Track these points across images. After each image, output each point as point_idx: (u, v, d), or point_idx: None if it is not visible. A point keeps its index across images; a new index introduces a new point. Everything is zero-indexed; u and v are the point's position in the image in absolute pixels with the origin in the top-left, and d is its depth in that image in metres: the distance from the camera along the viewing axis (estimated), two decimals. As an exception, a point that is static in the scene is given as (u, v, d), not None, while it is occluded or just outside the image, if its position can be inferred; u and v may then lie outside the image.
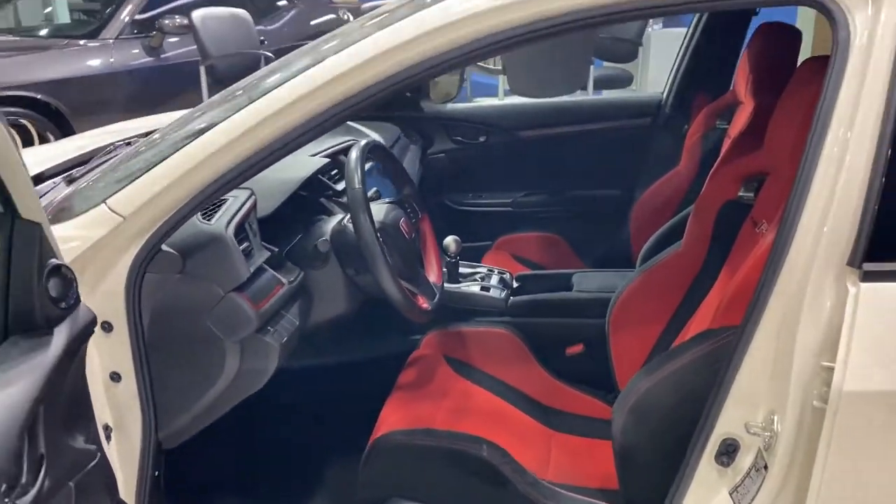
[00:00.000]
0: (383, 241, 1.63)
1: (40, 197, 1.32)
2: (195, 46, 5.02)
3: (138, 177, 1.28)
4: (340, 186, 1.99)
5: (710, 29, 2.66)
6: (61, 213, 1.34)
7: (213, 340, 1.44)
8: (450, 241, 2.04)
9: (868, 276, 1.06)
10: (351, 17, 6.53)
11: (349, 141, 2.15)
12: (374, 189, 1.90)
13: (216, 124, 1.27)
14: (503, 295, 2.09)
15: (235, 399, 1.52)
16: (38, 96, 4.76)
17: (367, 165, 1.73)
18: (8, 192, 0.85)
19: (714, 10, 2.35)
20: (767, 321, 1.13)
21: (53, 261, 0.96)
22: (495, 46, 1.22)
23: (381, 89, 1.23)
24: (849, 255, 1.07)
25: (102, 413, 1.32)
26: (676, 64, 2.82)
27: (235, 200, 1.55)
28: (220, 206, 1.53)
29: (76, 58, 5.09)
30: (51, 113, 4.84)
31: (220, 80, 4.95)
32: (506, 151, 2.93)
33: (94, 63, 5.10)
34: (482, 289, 2.08)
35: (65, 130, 4.79)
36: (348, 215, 1.72)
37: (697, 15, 2.71)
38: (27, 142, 4.65)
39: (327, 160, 2.02)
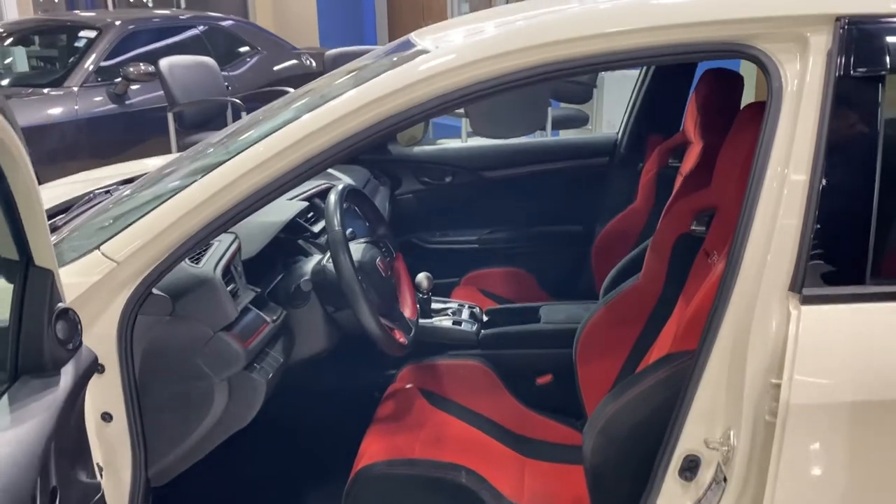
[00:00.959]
0: (361, 279, 1.71)
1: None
2: (160, 93, 5.09)
3: (131, 223, 1.35)
4: (317, 228, 2.07)
5: (659, 73, 2.79)
6: (52, 260, 1.39)
7: (202, 379, 1.49)
8: (422, 277, 2.12)
9: (808, 300, 1.17)
10: (314, 63, 6.64)
11: (323, 184, 2.24)
12: (350, 230, 1.98)
13: (208, 171, 1.35)
14: (474, 329, 2.17)
15: (223, 435, 1.56)
16: (1, 145, 4.75)
17: (344, 207, 1.82)
18: (26, 239, 0.92)
19: (655, 64, 2.50)
20: (720, 344, 1.23)
21: (61, 305, 1.03)
22: (457, 102, 1.33)
23: (356, 142, 1.32)
24: (790, 281, 1.18)
25: (94, 452, 1.35)
26: (630, 106, 2.95)
27: (221, 244, 1.62)
28: (207, 249, 1.59)
29: (39, 106, 5.10)
30: (14, 161, 4.83)
31: (188, 127, 5.02)
32: (471, 191, 3.02)
33: (58, 111, 5.11)
34: (454, 323, 2.16)
35: (29, 178, 4.77)
36: (327, 255, 1.80)
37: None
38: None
39: (305, 203, 2.10)
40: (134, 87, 5.36)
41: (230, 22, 6.62)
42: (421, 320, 2.09)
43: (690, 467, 1.28)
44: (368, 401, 1.99)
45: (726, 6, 1.28)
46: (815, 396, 1.15)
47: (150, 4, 10.84)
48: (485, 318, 2.26)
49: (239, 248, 1.67)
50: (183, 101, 4.90)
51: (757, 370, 1.19)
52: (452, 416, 1.93)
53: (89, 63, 5.33)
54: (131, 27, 5.64)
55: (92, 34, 5.49)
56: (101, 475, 1.37)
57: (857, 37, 1.19)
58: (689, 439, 1.27)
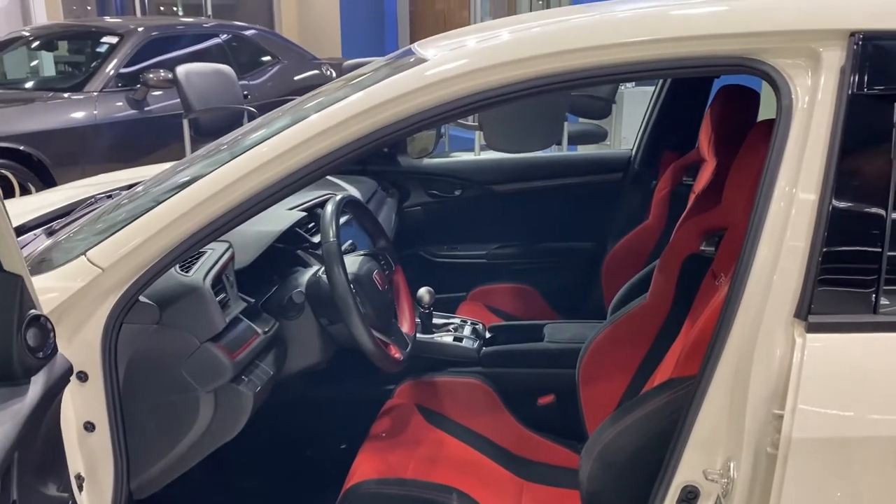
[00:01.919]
0: (357, 292, 1.67)
1: (21, 248, 1.35)
2: (178, 100, 5.13)
3: (118, 230, 1.32)
4: (317, 239, 2.04)
5: (674, 89, 2.75)
6: (41, 264, 1.37)
7: (188, 390, 1.46)
8: (423, 292, 2.08)
9: (814, 328, 1.11)
10: (334, 73, 6.66)
11: (326, 195, 2.21)
12: (350, 242, 1.95)
13: (198, 179, 1.32)
14: (475, 345, 2.12)
15: (208, 449, 1.53)
16: (21, 147, 4.81)
17: (345, 219, 1.79)
18: (-10, 245, 0.89)
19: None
20: (722, 371, 1.18)
21: (32, 311, 1.00)
22: (463, 110, 1.29)
23: (358, 147, 1.29)
24: (796, 307, 1.13)
25: (75, 462, 1.33)
26: (644, 122, 2.92)
27: (213, 252, 1.59)
28: (198, 258, 1.57)
29: (60, 110, 5.16)
30: (32, 164, 4.88)
31: (203, 134, 5.05)
32: (480, 205, 2.99)
33: (78, 115, 5.17)
34: (455, 339, 2.12)
35: (46, 181, 4.83)
36: (323, 267, 1.76)
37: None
38: (7, 192, 4.68)
39: (304, 214, 2.07)
40: (154, 93, 5.41)
41: (253, 31, 6.67)
42: (421, 335, 2.05)
43: (688, 499, 1.23)
44: (365, 416, 1.94)
45: (735, 19, 1.23)
46: (818, 430, 1.09)
47: (181, 12, 10.99)
48: (487, 335, 2.21)
49: (232, 258, 1.64)
50: (199, 107, 4.93)
51: (759, 399, 1.13)
52: (449, 434, 1.89)
53: (110, 68, 5.39)
54: (154, 34, 5.70)
55: (114, 40, 5.55)
56: (83, 486, 1.35)
57: (872, 53, 1.14)
58: (688, 469, 1.22)
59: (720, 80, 2.20)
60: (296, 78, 6.56)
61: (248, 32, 6.57)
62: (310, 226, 2.11)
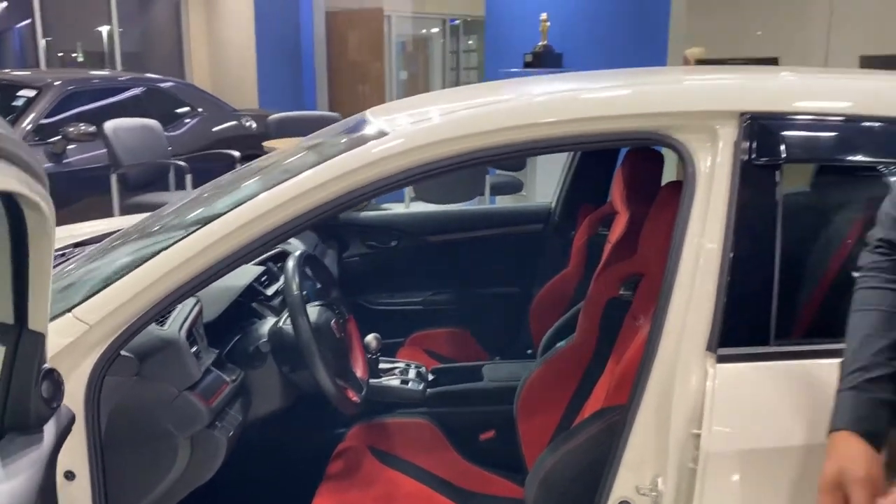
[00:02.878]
0: (317, 340, 1.80)
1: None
2: (99, 152, 5.09)
3: (102, 288, 1.42)
4: (270, 291, 2.16)
5: (589, 151, 3.00)
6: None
7: (166, 436, 1.54)
8: (370, 338, 2.21)
9: (722, 359, 1.32)
10: (254, 125, 6.73)
11: (278, 249, 2.33)
12: (304, 293, 2.07)
13: (175, 242, 1.44)
14: (421, 387, 2.27)
15: (183, 492, 1.60)
16: (-67, 203, 4.66)
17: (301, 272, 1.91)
18: (27, 304, 0.99)
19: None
20: (648, 399, 1.36)
21: (46, 366, 1.09)
22: (408, 180, 1.47)
23: (318, 215, 1.43)
24: (707, 341, 1.34)
25: (57, 511, 1.39)
26: (562, 177, 3.16)
27: (185, 307, 1.69)
28: (171, 312, 1.66)
29: (-26, 164, 5.03)
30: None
31: (132, 188, 5.02)
32: (415, 254, 3.13)
33: (-7, 169, 5.04)
34: (402, 382, 2.26)
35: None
36: (283, 317, 1.88)
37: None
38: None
39: (262, 268, 2.19)
40: (72, 146, 5.35)
41: (170, 83, 6.68)
42: (370, 380, 2.18)
43: (625, 513, 1.40)
44: (320, 458, 2.05)
45: (647, 101, 1.47)
46: (728, 444, 1.29)
47: (81, 58, 10.70)
48: (430, 378, 2.36)
49: (201, 311, 1.74)
50: (127, 162, 4.92)
51: (680, 422, 1.32)
52: (401, 472, 2.01)
53: (27, 122, 5.30)
54: (71, 87, 5.65)
55: (31, 93, 5.48)
56: (62, 534, 1.40)
57: (758, 130, 1.38)
58: (623, 486, 1.38)
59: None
60: (214, 129, 6.57)
61: (164, 85, 6.58)
62: (263, 279, 2.22)
